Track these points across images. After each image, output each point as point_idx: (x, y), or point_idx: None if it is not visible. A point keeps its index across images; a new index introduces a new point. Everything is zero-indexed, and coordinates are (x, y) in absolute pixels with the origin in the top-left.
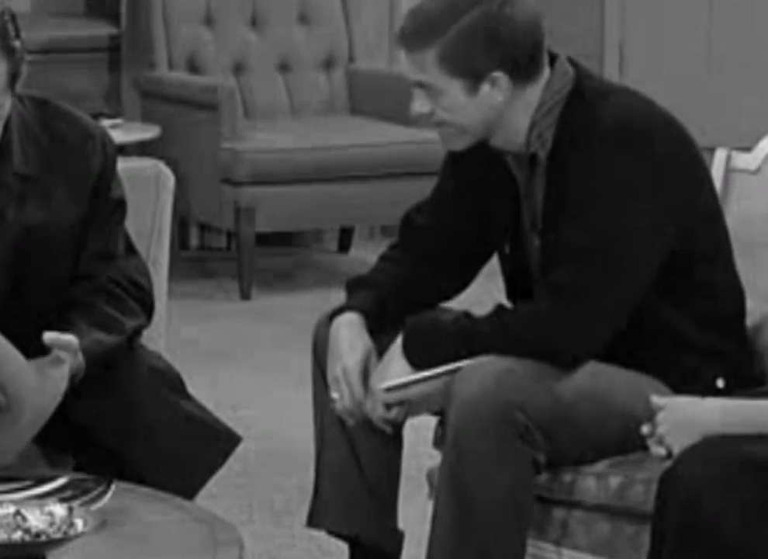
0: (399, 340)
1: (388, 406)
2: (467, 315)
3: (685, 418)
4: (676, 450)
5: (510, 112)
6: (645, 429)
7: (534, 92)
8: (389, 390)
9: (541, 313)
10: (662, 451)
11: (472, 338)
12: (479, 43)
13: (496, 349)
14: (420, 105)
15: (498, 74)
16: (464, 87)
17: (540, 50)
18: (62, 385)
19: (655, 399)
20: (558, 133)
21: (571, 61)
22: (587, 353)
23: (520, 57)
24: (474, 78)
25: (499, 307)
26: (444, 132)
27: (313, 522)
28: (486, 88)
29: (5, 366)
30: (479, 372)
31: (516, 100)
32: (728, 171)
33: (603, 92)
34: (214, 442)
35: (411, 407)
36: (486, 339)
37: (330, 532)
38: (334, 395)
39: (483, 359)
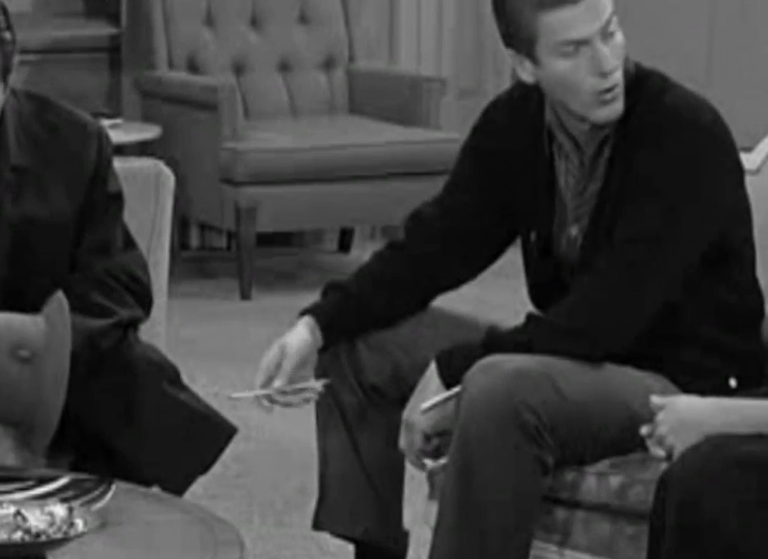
0: (431, 368)
1: (428, 437)
2: (495, 330)
3: (685, 418)
4: (678, 450)
5: None
6: (644, 430)
7: None
8: (426, 410)
9: (580, 300)
10: (661, 452)
11: (509, 344)
12: None
13: (538, 347)
14: (614, 56)
15: None
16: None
17: None
18: (67, 327)
19: (655, 399)
20: (626, 116)
21: None
22: (628, 337)
23: None
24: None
25: (529, 316)
26: (617, 93)
27: (318, 525)
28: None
29: (22, 326)
30: (489, 372)
31: None
32: None
33: (664, 82)
34: (210, 433)
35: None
36: (520, 344)
37: (335, 535)
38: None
39: (493, 359)
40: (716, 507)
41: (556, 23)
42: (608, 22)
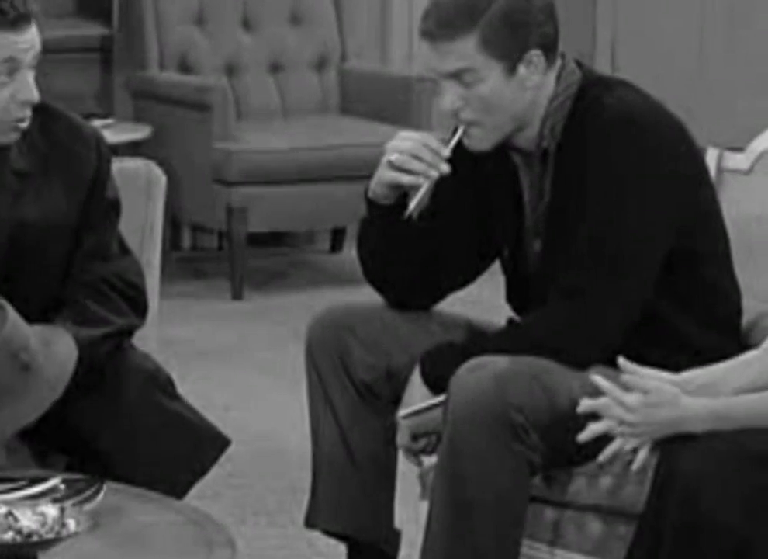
0: (416, 371)
1: (415, 437)
2: (479, 334)
3: (668, 418)
4: (646, 445)
5: (535, 99)
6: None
7: (551, 81)
8: (405, 417)
9: (553, 317)
10: (631, 445)
11: (487, 353)
12: (519, 21)
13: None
14: (452, 100)
15: (535, 52)
16: (503, 70)
17: (559, 29)
18: (72, 347)
19: (626, 378)
20: (566, 128)
21: (576, 61)
22: (603, 351)
23: (552, 34)
24: (513, 58)
25: (510, 321)
26: (470, 132)
27: (310, 522)
28: (522, 69)
29: (21, 329)
30: (476, 372)
31: (540, 87)
32: (720, 171)
33: (608, 87)
34: (203, 445)
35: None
36: (501, 352)
37: (327, 532)
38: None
39: (481, 360)
40: (715, 503)
41: None
42: (457, 74)
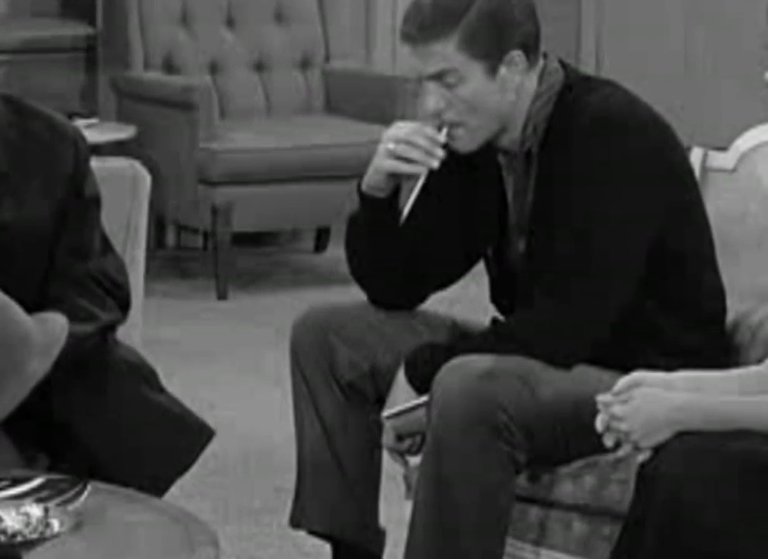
0: (400, 372)
1: (400, 437)
2: (464, 333)
3: (652, 415)
4: (646, 445)
5: (518, 99)
6: (599, 425)
7: (533, 81)
8: (389, 417)
9: (538, 316)
10: (627, 449)
11: (472, 353)
12: (499, 21)
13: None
14: (435, 101)
15: (516, 52)
16: (485, 70)
17: (540, 29)
18: (63, 329)
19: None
20: (549, 128)
21: (559, 61)
22: (587, 350)
23: (533, 34)
24: (495, 58)
25: (495, 321)
26: (455, 133)
27: (294, 522)
28: (503, 70)
29: (9, 303)
30: (460, 371)
31: (523, 87)
32: (704, 170)
33: (592, 86)
34: (189, 436)
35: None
36: (486, 352)
37: (312, 532)
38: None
39: (464, 359)
40: (700, 506)
41: None
42: (439, 75)
